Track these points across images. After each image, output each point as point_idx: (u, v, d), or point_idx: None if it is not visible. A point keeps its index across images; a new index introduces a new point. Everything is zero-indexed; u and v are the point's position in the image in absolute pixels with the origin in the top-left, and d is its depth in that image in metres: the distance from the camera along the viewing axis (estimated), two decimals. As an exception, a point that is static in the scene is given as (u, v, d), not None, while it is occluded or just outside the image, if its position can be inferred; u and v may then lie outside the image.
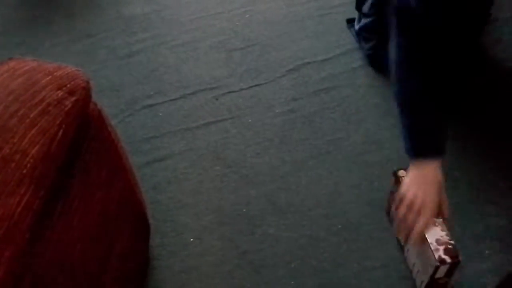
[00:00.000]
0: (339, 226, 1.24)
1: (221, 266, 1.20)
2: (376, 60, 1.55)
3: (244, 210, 1.29)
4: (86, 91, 0.77)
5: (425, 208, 0.96)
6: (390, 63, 1.07)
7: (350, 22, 1.69)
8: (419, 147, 1.02)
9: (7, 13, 1.94)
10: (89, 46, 1.75)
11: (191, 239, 1.25)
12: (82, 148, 0.79)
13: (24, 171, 0.66)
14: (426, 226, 0.97)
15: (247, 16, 1.80)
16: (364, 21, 1.56)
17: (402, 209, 0.99)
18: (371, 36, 1.54)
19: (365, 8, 1.54)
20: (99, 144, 0.84)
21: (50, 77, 0.76)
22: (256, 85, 1.58)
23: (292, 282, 1.16)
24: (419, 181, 0.99)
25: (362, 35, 1.58)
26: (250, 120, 1.49)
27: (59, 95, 0.74)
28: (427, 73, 1.02)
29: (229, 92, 1.57)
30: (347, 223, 1.24)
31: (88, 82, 0.78)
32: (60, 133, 0.70)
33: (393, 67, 1.05)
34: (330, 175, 1.34)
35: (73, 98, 0.74)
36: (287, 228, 1.25)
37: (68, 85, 0.76)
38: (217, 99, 1.55)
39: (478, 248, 1.17)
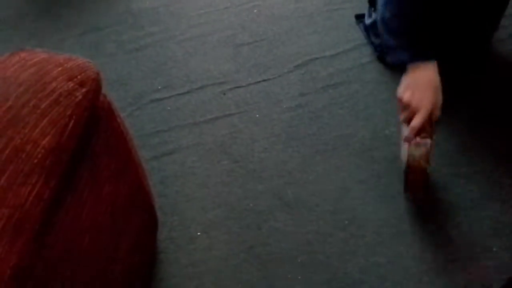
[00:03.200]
0: (346, 222, 1.24)
1: (228, 260, 1.20)
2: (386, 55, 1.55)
3: (251, 205, 1.29)
4: (97, 82, 0.78)
5: (420, 109, 1.08)
6: None
7: (359, 17, 1.69)
8: (415, 51, 1.10)
9: (17, 6, 1.95)
10: (97, 40, 1.76)
11: (198, 233, 1.25)
12: (92, 139, 0.79)
13: (35, 161, 0.66)
14: (422, 122, 1.09)
15: (255, 11, 1.80)
16: (375, 15, 1.55)
17: (400, 111, 1.14)
18: None
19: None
20: (109, 135, 0.85)
21: (60, 68, 0.76)
22: (264, 80, 1.58)
23: (299, 277, 1.16)
24: (414, 85, 1.10)
25: (372, 29, 1.57)
26: (257, 115, 1.49)
27: (70, 86, 0.74)
28: None
29: (237, 87, 1.57)
30: (354, 219, 1.24)
31: (98, 74, 0.79)
32: (71, 124, 0.70)
33: None
34: (337, 171, 1.34)
35: (84, 89, 0.75)
36: (294, 223, 1.25)
37: (78, 76, 0.76)
38: (224, 94, 1.55)
39: (485, 245, 1.17)
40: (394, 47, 1.14)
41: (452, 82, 1.48)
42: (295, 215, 1.26)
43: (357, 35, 1.66)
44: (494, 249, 1.16)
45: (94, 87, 0.77)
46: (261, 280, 1.16)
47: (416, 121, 1.08)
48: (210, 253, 1.22)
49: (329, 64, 1.59)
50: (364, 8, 1.64)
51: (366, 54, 1.60)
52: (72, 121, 0.71)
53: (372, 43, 1.60)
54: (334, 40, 1.66)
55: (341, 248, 1.19)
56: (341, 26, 1.70)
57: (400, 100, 1.13)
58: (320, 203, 1.28)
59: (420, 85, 1.10)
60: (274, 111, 1.49)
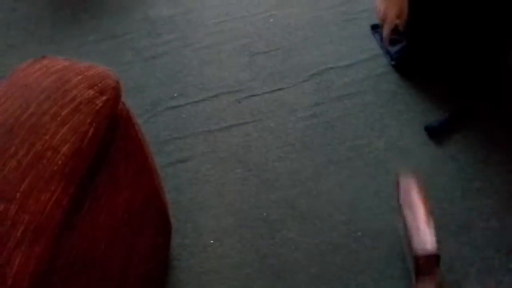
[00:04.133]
0: (360, 233, 1.23)
1: (240, 269, 1.20)
2: (403, 64, 1.54)
3: (264, 214, 1.29)
4: (116, 90, 0.79)
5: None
6: None
7: (375, 27, 1.69)
8: None
9: (36, 13, 1.98)
10: (115, 47, 1.78)
11: (211, 241, 1.25)
12: (110, 146, 0.80)
13: (55, 167, 0.67)
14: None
15: (271, 20, 1.81)
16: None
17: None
18: (401, 38, 1.52)
19: None
20: (127, 143, 0.86)
21: (81, 76, 0.77)
22: (278, 89, 1.58)
23: (312, 288, 1.15)
24: None
25: (390, 38, 1.56)
26: (272, 124, 1.49)
27: (90, 94, 0.75)
28: None
29: (252, 95, 1.57)
30: (368, 231, 1.23)
31: (118, 82, 0.80)
32: (91, 131, 0.71)
33: None
34: (351, 182, 1.33)
35: (104, 97, 0.76)
36: (307, 234, 1.24)
37: (99, 85, 0.77)
38: (239, 102, 1.56)
39: (501, 261, 1.15)
40: None
41: (468, 93, 1.48)
42: (308, 225, 1.26)
43: (373, 45, 1.66)
44: (510, 265, 1.14)
45: (114, 95, 0.78)
46: (273, 290, 1.16)
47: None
48: (223, 262, 1.22)
49: (344, 74, 1.59)
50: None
51: (381, 64, 1.60)
52: (92, 128, 0.72)
53: (388, 52, 1.59)
54: (349, 50, 1.66)
55: (354, 259, 1.19)
56: (357, 36, 1.70)
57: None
58: (334, 214, 1.27)
59: None
60: (288, 120, 1.49)
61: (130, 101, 1.61)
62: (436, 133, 1.40)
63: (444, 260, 1.16)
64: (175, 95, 1.60)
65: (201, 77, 1.64)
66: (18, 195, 0.63)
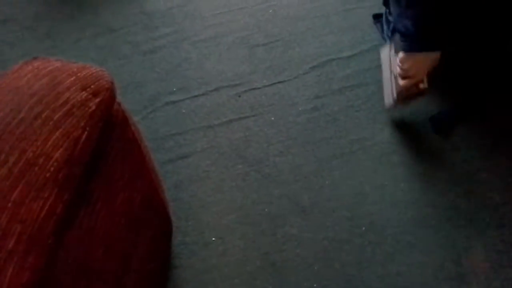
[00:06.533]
0: (364, 228, 1.22)
1: (242, 266, 1.18)
2: None
3: (266, 210, 1.28)
4: (111, 92, 0.76)
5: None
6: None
7: (376, 17, 1.65)
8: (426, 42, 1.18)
9: (33, 9, 1.95)
10: (112, 41, 1.75)
11: (213, 238, 1.24)
12: (105, 149, 0.78)
13: (48, 174, 0.65)
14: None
15: (270, 11, 1.77)
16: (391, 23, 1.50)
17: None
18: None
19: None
20: (123, 145, 0.83)
21: (74, 77, 0.75)
22: (279, 82, 1.55)
23: (315, 285, 1.14)
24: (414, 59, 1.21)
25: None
26: (272, 118, 1.47)
27: (83, 96, 0.73)
28: None
29: (252, 89, 1.55)
30: (372, 225, 1.22)
31: (112, 83, 0.77)
32: (84, 135, 0.69)
33: None
34: (354, 176, 1.31)
35: (97, 100, 0.73)
36: (310, 229, 1.23)
37: (92, 86, 0.74)
38: (239, 96, 1.54)
39: (509, 255, 1.13)
40: (405, 34, 1.20)
41: (473, 85, 1.44)
42: (311, 220, 1.24)
43: (375, 35, 1.62)
44: (517, 258, 1.13)
45: (108, 96, 0.76)
46: (276, 287, 1.14)
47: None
48: (225, 259, 1.20)
49: (346, 65, 1.56)
50: (382, 8, 1.60)
51: (384, 55, 1.56)
52: (86, 132, 0.70)
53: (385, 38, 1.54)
54: (351, 40, 1.63)
55: (358, 255, 1.17)
56: (358, 26, 1.67)
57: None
58: (337, 209, 1.26)
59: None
60: (289, 114, 1.47)
61: (128, 97, 1.60)
62: (440, 125, 1.38)
63: (451, 254, 1.15)
64: (174, 89, 1.57)
65: (200, 71, 1.62)
66: (9, 204, 0.61)
